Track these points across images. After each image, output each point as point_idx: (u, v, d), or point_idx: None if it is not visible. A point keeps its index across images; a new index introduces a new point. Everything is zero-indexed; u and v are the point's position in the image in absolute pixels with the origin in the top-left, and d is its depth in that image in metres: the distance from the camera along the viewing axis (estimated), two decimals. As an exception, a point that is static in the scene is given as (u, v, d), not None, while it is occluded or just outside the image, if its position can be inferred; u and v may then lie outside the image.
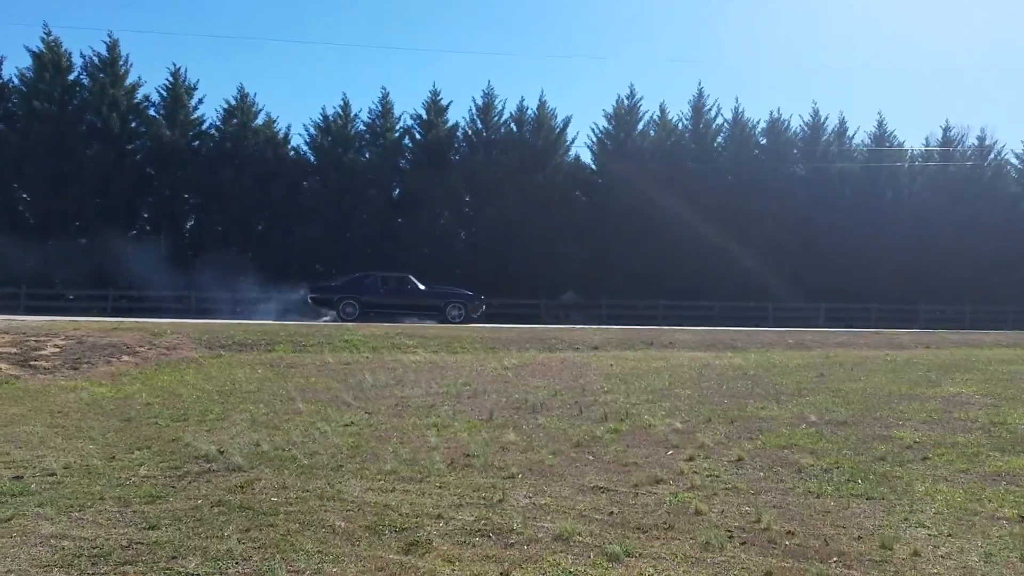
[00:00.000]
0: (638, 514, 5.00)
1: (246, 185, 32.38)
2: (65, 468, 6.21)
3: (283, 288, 27.29)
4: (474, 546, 4.47)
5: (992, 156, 38.13)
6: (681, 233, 32.77)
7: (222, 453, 6.67)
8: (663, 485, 5.72)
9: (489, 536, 4.64)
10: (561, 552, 4.33)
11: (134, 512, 5.14)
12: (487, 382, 11.18)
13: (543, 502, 5.31)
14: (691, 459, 6.46)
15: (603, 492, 5.56)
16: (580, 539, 4.53)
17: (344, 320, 21.77)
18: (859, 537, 4.63)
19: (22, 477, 5.97)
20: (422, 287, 23.39)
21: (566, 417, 8.44)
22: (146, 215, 34.37)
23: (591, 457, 6.63)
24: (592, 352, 15.49)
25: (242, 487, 5.72)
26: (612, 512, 5.04)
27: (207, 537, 4.66)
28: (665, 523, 4.79)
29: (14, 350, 12.74)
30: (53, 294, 27.78)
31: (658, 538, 4.54)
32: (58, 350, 13.01)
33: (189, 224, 34.80)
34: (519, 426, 7.99)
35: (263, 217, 33.15)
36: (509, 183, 33.09)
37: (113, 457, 6.62)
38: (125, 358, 13.04)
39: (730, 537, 4.53)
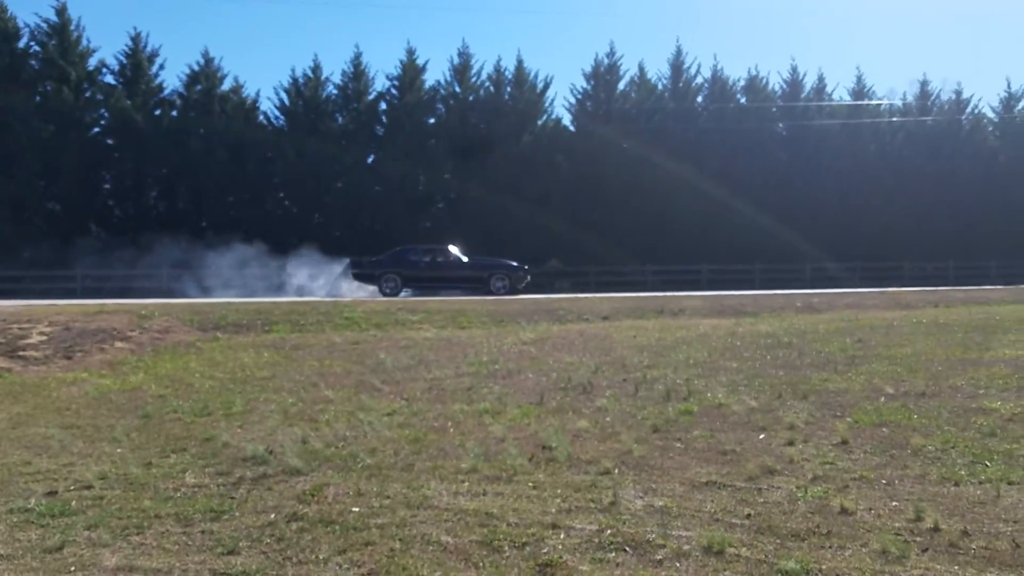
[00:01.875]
0: (779, 516, 4.47)
1: (215, 156, 30.95)
2: (101, 479, 5.51)
3: (262, 263, 26.26)
4: (618, 565, 3.90)
5: (969, 110, 38.16)
6: (665, 196, 32.25)
7: (272, 454, 6.00)
8: (780, 477, 5.20)
9: (626, 550, 4.07)
10: (725, 571, 3.78)
11: (202, 533, 4.48)
12: (514, 359, 10.59)
13: (660, 503, 4.76)
14: (790, 443, 5.95)
15: (720, 488, 5.02)
16: (735, 551, 3.98)
17: (386, 296, 21.08)
18: (1040, 535, 4.16)
19: (56, 492, 5.26)
20: (464, 259, 22.70)
21: (623, 397, 7.90)
22: (108, 190, 32.78)
23: (680, 445, 6.09)
24: (604, 323, 14.96)
25: (312, 494, 5.08)
26: (749, 515, 4.50)
27: (301, 562, 4.04)
28: (818, 527, 4.26)
29: (-2, 339, 11.83)
30: (15, 275, 26.25)
31: (823, 547, 4.01)
32: (45, 338, 12.09)
33: (154, 199, 33.32)
34: (578, 409, 7.43)
35: (234, 189, 31.78)
36: (489, 147, 32.19)
37: (149, 463, 5.91)
38: (118, 344, 12.18)
39: (905, 542, 4.02)
